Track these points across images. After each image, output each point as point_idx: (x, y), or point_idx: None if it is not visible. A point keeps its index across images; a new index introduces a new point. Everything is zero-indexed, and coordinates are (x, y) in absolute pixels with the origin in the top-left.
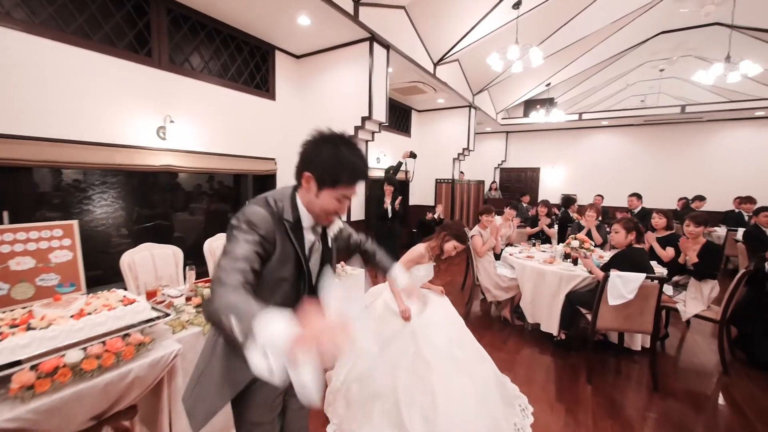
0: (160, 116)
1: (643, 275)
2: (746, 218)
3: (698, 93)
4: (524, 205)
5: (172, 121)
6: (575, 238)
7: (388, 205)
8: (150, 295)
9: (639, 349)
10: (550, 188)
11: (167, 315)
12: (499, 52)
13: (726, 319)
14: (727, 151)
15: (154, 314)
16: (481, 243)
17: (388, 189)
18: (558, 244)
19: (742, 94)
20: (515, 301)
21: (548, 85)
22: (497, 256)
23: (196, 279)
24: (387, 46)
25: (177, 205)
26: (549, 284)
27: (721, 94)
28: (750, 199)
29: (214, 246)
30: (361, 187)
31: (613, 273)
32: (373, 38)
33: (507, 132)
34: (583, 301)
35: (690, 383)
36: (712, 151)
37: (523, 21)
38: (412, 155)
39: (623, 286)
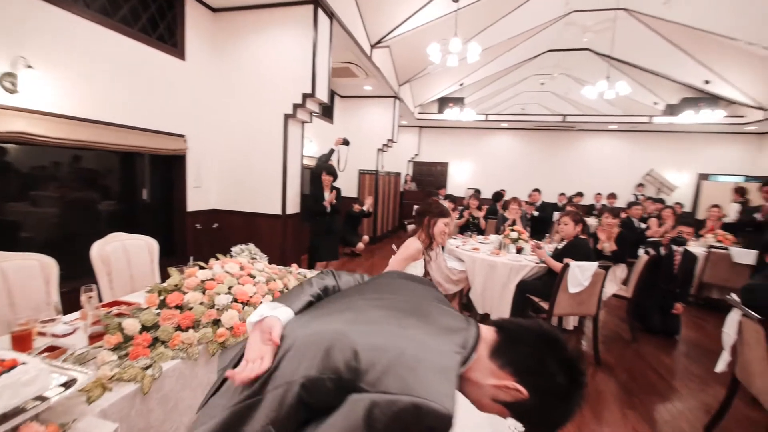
0: (6, 56)
1: (596, 263)
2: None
3: (564, 107)
4: (441, 197)
5: (29, 67)
6: (513, 230)
7: (327, 198)
8: (19, 341)
9: (572, 328)
10: (458, 182)
11: (74, 379)
12: (441, 44)
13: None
14: (592, 155)
15: (58, 380)
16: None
17: (327, 180)
18: (491, 235)
19: (593, 110)
20: (463, 293)
21: (461, 84)
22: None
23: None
24: (331, 14)
25: (18, 191)
26: (500, 275)
27: (581, 109)
28: (613, 195)
29: (108, 252)
30: None
31: (573, 263)
32: (318, 2)
33: (420, 126)
34: (533, 290)
35: (612, 353)
36: (583, 155)
37: (455, 16)
38: (345, 142)
39: (581, 274)
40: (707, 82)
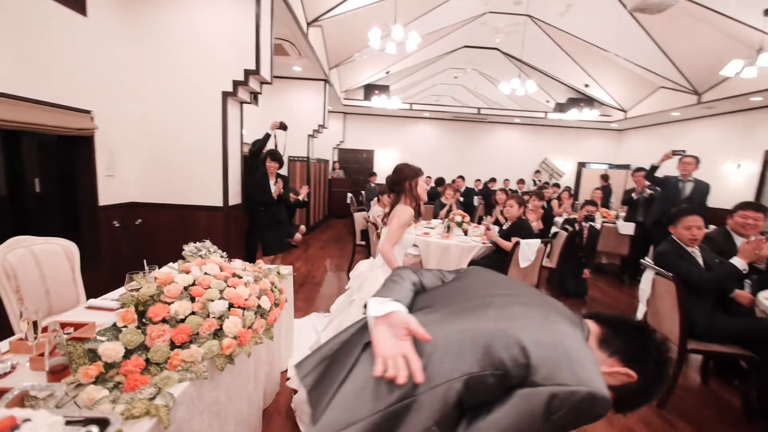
0: None
1: (539, 240)
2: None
3: (473, 100)
4: (372, 185)
5: None
6: (456, 214)
7: (273, 187)
8: None
9: None
10: (384, 169)
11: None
12: (383, 29)
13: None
14: (500, 145)
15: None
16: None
17: (273, 167)
18: (432, 220)
19: (497, 104)
20: None
21: (388, 72)
22: None
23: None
24: None
25: None
26: (453, 256)
27: (488, 103)
28: (522, 180)
29: (12, 262)
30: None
31: (522, 241)
32: None
33: (345, 113)
34: (482, 266)
35: None
36: (493, 145)
37: (395, 2)
38: (283, 126)
39: (529, 250)
40: (587, 85)
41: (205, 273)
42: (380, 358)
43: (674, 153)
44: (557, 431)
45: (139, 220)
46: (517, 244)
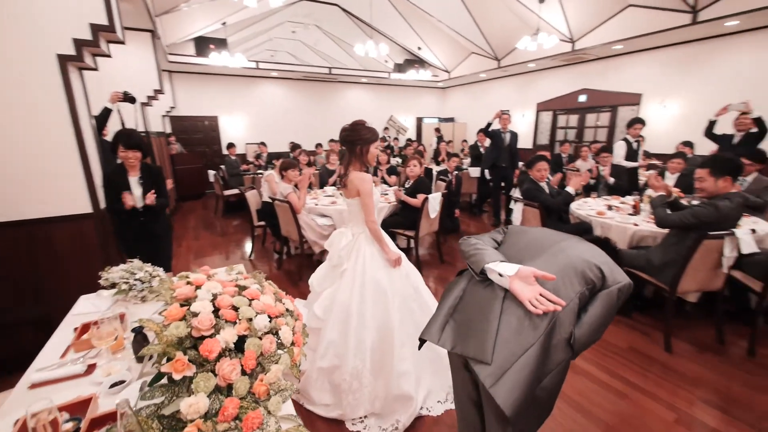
0: None
1: (439, 193)
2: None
3: (312, 58)
4: (233, 158)
5: None
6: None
7: (137, 190)
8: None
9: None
10: (233, 137)
11: None
12: None
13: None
14: (351, 105)
15: None
16: (297, 198)
17: (130, 157)
18: (326, 187)
19: (339, 62)
20: None
21: (224, 23)
22: None
23: None
24: None
25: None
26: None
27: (329, 61)
28: (383, 138)
29: None
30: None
31: (430, 195)
32: None
33: (171, 72)
34: (396, 224)
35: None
36: (344, 105)
37: None
38: (129, 98)
39: (435, 202)
40: (419, 48)
41: (213, 294)
42: (527, 301)
43: (502, 112)
44: (616, 311)
45: None
46: (426, 199)
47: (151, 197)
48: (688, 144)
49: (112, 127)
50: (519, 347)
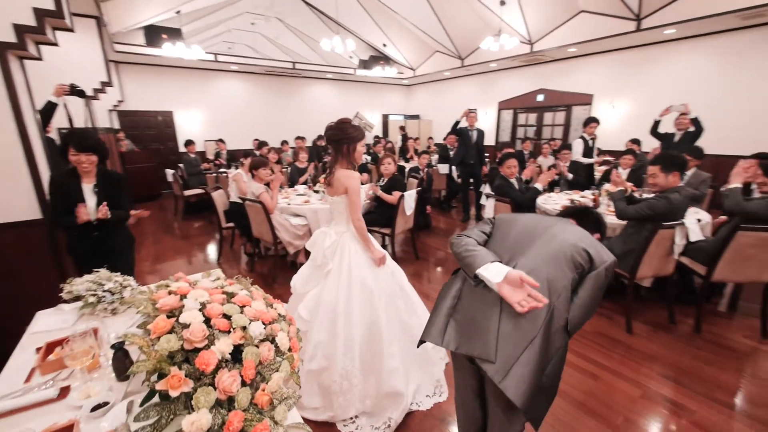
0: None
1: (414, 191)
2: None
3: (274, 51)
4: (191, 155)
5: None
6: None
7: (89, 199)
8: None
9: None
10: (190, 133)
11: None
12: None
13: None
14: (316, 101)
15: None
16: (269, 198)
17: (83, 160)
18: (297, 186)
19: (302, 57)
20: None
21: (178, 12)
22: None
23: None
24: None
25: None
26: None
27: (292, 56)
28: (321, 137)
29: None
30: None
31: (405, 193)
32: None
33: (118, 63)
34: (372, 222)
35: (410, 244)
36: (308, 101)
37: None
38: (77, 92)
39: (410, 199)
40: (385, 45)
41: (202, 303)
42: (515, 304)
43: (470, 111)
44: (605, 288)
45: None
46: (402, 196)
47: (103, 210)
48: (636, 141)
49: (58, 124)
50: (521, 342)
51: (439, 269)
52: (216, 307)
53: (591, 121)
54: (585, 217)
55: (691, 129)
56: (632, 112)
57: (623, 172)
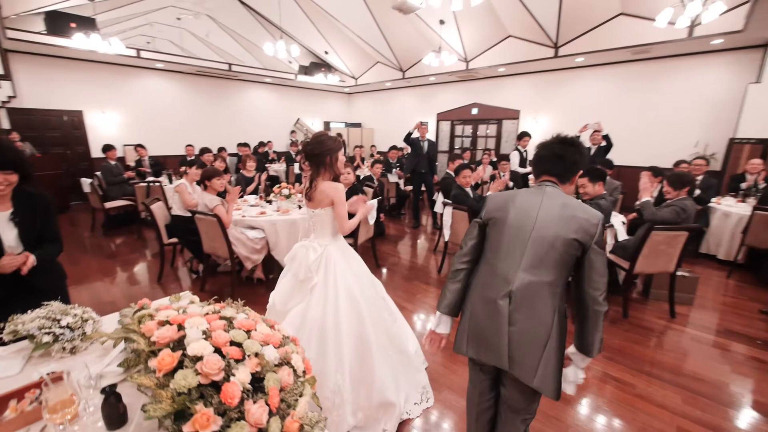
0: None
1: (376, 200)
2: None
3: (203, 51)
4: (112, 162)
5: None
6: (281, 189)
7: (5, 231)
8: None
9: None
10: (105, 137)
11: None
12: None
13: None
14: (255, 106)
15: None
16: (225, 211)
17: (3, 181)
18: (247, 197)
19: (236, 58)
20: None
21: None
22: None
23: None
24: None
25: None
26: (301, 229)
27: (224, 56)
28: (263, 144)
29: None
30: None
31: (369, 202)
32: None
33: (10, 52)
34: None
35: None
36: (247, 105)
37: None
38: None
39: (374, 210)
40: (326, 52)
41: (204, 332)
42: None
43: (421, 123)
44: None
45: None
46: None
47: (27, 264)
48: None
49: None
50: (535, 346)
51: (397, 276)
52: (222, 335)
53: (524, 135)
54: (561, 163)
55: (603, 144)
56: (552, 127)
57: None
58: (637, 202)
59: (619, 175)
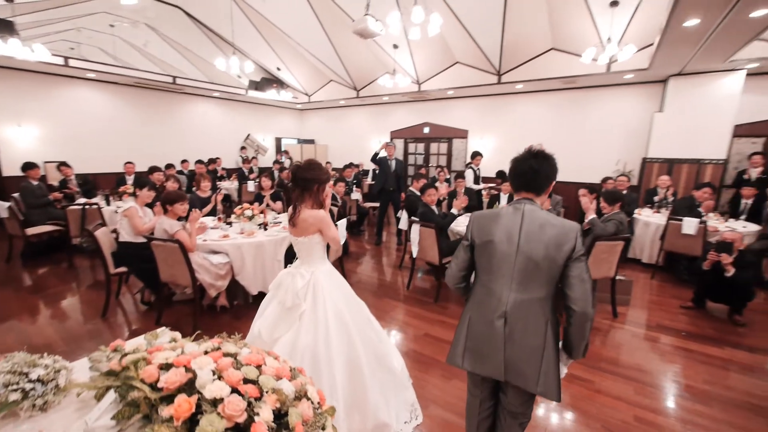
0: None
1: (345, 219)
2: (246, 172)
3: (141, 61)
4: (34, 182)
5: None
6: (243, 210)
7: None
8: None
9: None
10: (22, 153)
11: None
12: None
13: None
14: (202, 120)
15: None
16: (188, 236)
17: None
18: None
19: (178, 71)
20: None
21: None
22: None
23: None
24: None
25: None
26: (268, 252)
27: (164, 68)
28: (214, 160)
29: None
30: None
31: (339, 222)
32: None
33: None
34: None
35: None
36: (193, 120)
37: None
38: None
39: (342, 227)
40: (279, 69)
41: (213, 371)
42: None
43: (388, 144)
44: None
45: None
46: (336, 225)
47: None
48: (502, 173)
49: None
50: (534, 357)
51: (367, 293)
52: (234, 373)
53: (477, 155)
54: (537, 178)
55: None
56: (497, 146)
57: (504, 197)
58: (586, 221)
59: (558, 190)
